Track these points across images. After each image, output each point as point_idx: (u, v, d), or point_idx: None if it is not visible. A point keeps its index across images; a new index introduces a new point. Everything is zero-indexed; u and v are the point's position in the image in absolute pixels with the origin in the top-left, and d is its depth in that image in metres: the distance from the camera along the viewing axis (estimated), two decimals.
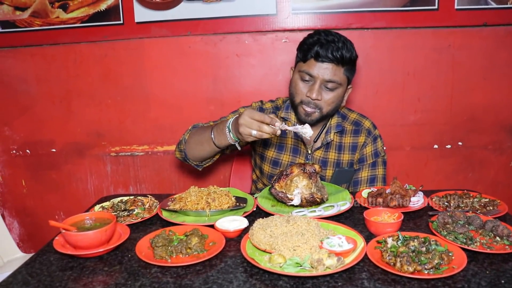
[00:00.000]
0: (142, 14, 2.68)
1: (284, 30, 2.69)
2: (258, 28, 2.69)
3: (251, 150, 2.33)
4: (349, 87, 2.06)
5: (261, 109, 2.18)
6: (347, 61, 1.92)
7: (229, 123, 1.76)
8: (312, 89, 1.93)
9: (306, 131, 1.68)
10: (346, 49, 1.90)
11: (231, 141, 1.79)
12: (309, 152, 2.13)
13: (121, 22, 2.70)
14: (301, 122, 2.03)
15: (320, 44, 1.90)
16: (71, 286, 1.23)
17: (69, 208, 3.03)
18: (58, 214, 3.07)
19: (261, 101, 2.22)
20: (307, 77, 1.95)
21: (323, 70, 1.91)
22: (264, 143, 2.16)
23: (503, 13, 2.61)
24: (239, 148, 1.89)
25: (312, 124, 2.04)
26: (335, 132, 2.12)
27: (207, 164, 2.10)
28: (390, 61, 2.74)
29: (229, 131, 1.76)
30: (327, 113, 2.01)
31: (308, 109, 1.97)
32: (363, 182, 2.12)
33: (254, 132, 1.63)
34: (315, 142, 2.15)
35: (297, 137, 2.12)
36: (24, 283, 1.25)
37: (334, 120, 2.14)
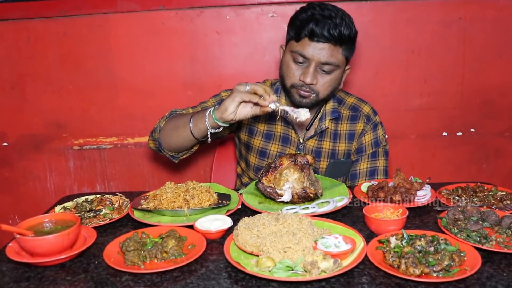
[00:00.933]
0: None
1: (271, 3, 2.69)
2: (241, 1, 2.68)
3: (235, 139, 2.34)
4: (347, 67, 2.06)
5: None
6: (346, 39, 1.90)
7: (214, 108, 1.80)
8: (306, 72, 1.93)
9: (304, 113, 1.71)
10: (345, 26, 1.88)
11: (208, 126, 1.80)
12: (301, 141, 2.13)
13: None
14: (296, 106, 2.02)
15: (315, 20, 1.87)
16: None
17: (25, 211, 3.01)
18: (12, 218, 3.05)
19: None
20: (300, 59, 1.94)
21: (319, 51, 1.89)
22: (250, 130, 2.16)
23: None
24: (209, 139, 1.87)
25: (309, 108, 2.04)
26: (330, 119, 2.13)
27: (184, 156, 2.10)
28: (392, 38, 2.75)
29: (212, 112, 1.79)
30: (324, 97, 2.01)
31: (302, 92, 1.97)
32: (362, 175, 2.14)
33: (247, 88, 1.70)
34: (307, 130, 2.15)
35: (288, 124, 2.12)
36: None
37: (329, 105, 2.15)
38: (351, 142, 2.15)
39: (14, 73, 2.82)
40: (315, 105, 2.05)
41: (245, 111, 1.77)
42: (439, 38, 2.74)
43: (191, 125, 1.86)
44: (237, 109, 1.75)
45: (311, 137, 2.14)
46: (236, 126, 2.22)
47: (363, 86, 2.79)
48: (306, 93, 1.97)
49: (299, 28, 1.92)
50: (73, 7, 2.69)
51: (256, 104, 1.73)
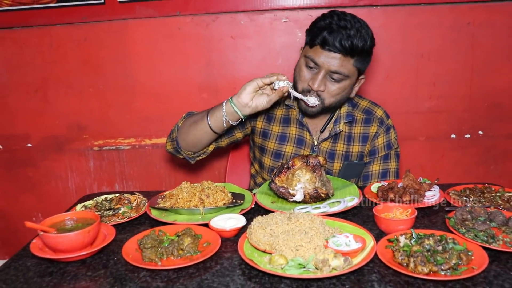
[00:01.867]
0: None
1: (284, 9, 2.70)
2: (255, 6, 2.69)
3: (249, 142, 2.34)
4: (360, 77, 2.04)
5: None
6: (358, 51, 1.87)
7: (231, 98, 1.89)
8: (315, 78, 1.92)
9: (313, 101, 1.85)
10: (359, 38, 1.84)
11: (224, 112, 1.88)
12: (315, 143, 2.13)
13: (102, 1, 2.69)
14: (302, 112, 2.05)
15: (330, 29, 1.85)
16: None
17: (47, 209, 3.04)
18: (36, 216, 3.08)
19: None
20: (312, 64, 1.93)
21: (330, 59, 1.88)
22: (264, 133, 2.17)
23: None
24: (224, 124, 1.93)
25: (314, 116, 2.05)
26: (345, 122, 2.12)
27: (200, 157, 2.12)
28: (402, 42, 2.74)
29: (230, 98, 1.88)
30: (330, 105, 1.99)
31: (309, 102, 1.96)
32: (374, 176, 2.13)
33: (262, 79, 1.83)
34: (321, 132, 2.14)
35: (302, 126, 2.12)
36: None
37: (344, 109, 2.14)
38: (365, 144, 2.14)
39: (38, 77, 2.86)
40: (322, 113, 2.04)
41: (262, 99, 1.85)
42: (448, 42, 2.73)
43: (208, 116, 1.92)
44: (254, 95, 1.84)
45: (325, 139, 2.13)
46: (251, 130, 2.22)
47: (374, 89, 2.78)
48: (312, 102, 1.95)
49: (314, 35, 1.91)
50: (93, 14, 2.72)
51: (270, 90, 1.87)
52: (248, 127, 2.21)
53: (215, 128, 1.93)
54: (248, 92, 1.82)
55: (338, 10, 1.94)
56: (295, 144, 2.14)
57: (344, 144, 2.14)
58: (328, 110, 2.04)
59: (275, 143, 2.16)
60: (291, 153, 2.14)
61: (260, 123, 2.19)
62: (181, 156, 2.12)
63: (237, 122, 1.92)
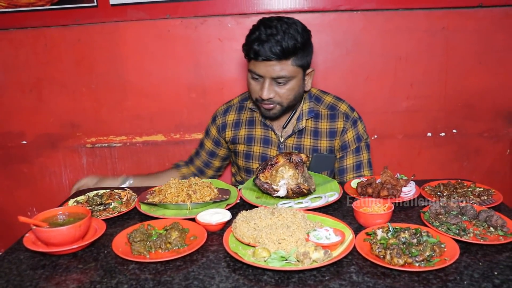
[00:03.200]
0: None
1: (269, 12, 2.68)
2: (242, 10, 2.68)
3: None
4: (308, 71, 2.02)
5: (224, 112, 2.27)
6: (291, 52, 1.85)
7: None
8: (263, 88, 1.92)
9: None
10: (288, 39, 1.82)
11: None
12: (281, 140, 2.13)
13: (95, 4, 2.66)
14: (265, 117, 2.08)
15: (258, 41, 1.84)
16: (42, 285, 1.23)
17: (41, 204, 3.01)
18: (30, 211, 3.05)
19: (226, 104, 2.30)
20: (256, 76, 1.93)
21: (268, 68, 1.87)
22: (233, 139, 2.20)
23: None
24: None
25: (277, 117, 2.06)
26: (307, 118, 2.12)
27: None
28: (381, 45, 2.75)
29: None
30: (289, 104, 2.00)
31: (265, 106, 1.97)
32: (349, 169, 2.14)
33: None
34: (284, 128, 2.14)
35: (267, 126, 2.13)
36: None
37: (306, 105, 2.13)
38: (333, 139, 2.13)
39: (32, 76, 2.82)
40: (284, 112, 2.05)
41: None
42: (424, 46, 2.74)
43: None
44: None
45: (289, 136, 2.13)
46: (223, 140, 2.28)
47: (354, 89, 2.78)
48: (268, 105, 1.97)
49: (247, 50, 1.90)
50: (86, 16, 2.69)
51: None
52: (222, 142, 2.28)
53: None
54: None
55: (265, 17, 1.94)
56: (262, 144, 2.15)
57: (310, 139, 2.13)
58: (288, 109, 2.04)
59: (244, 145, 2.18)
60: (259, 153, 2.15)
61: (228, 133, 2.22)
62: None
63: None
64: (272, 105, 1.96)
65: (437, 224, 1.46)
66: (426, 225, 1.46)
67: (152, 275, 1.25)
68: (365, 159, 2.16)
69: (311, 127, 2.13)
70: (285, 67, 1.88)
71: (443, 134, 2.90)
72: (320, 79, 2.70)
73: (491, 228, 1.43)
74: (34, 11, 2.69)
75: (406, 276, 1.20)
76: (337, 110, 2.15)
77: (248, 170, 2.19)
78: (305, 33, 1.91)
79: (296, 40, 1.84)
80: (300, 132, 2.13)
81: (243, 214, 1.47)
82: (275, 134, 2.14)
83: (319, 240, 1.31)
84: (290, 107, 2.04)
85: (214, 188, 1.77)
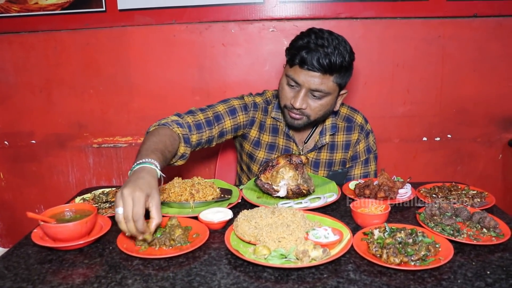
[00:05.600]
0: (125, 1, 2.65)
1: (272, 19, 2.69)
2: (245, 17, 2.68)
3: (235, 144, 2.27)
4: (342, 92, 1.92)
5: (255, 105, 2.08)
6: (337, 68, 1.76)
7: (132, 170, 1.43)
8: (297, 97, 1.82)
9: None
10: (337, 55, 1.74)
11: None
12: (301, 153, 2.07)
13: (104, 9, 2.67)
14: (289, 125, 1.98)
15: (307, 49, 1.75)
16: (49, 279, 1.22)
17: (49, 201, 3.00)
18: (39, 208, 3.04)
19: (251, 94, 2.12)
20: (292, 83, 1.83)
21: (309, 78, 1.77)
22: (256, 142, 2.09)
23: (494, 4, 2.63)
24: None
25: (300, 129, 1.99)
26: (330, 134, 2.05)
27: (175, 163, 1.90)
28: (379, 52, 2.75)
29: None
30: (315, 119, 1.91)
31: (293, 114, 1.88)
32: (355, 179, 2.08)
33: (119, 211, 1.27)
34: (305, 143, 2.07)
35: (289, 138, 2.05)
36: (0, 276, 1.24)
37: (329, 121, 2.06)
38: (347, 151, 2.09)
39: (42, 78, 2.83)
40: (308, 126, 1.97)
41: None
42: (420, 53, 2.74)
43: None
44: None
45: (311, 150, 2.06)
46: (240, 135, 2.12)
47: (353, 95, 2.78)
48: (296, 115, 1.88)
49: (292, 55, 1.80)
50: (95, 21, 2.70)
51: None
52: (240, 132, 2.09)
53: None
54: None
55: (316, 28, 1.84)
56: (283, 153, 2.08)
57: (327, 152, 2.08)
58: (313, 123, 1.96)
59: (264, 152, 2.08)
60: None
61: (254, 132, 2.08)
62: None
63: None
64: (299, 116, 1.87)
65: (432, 225, 1.45)
66: (421, 226, 1.46)
67: (155, 270, 1.24)
68: (372, 170, 2.14)
69: (329, 141, 2.06)
70: (326, 82, 1.79)
71: (438, 138, 2.89)
72: None
73: (484, 229, 1.43)
74: (45, 15, 2.70)
75: (402, 274, 1.20)
76: (353, 122, 2.10)
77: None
78: (352, 54, 1.84)
79: (344, 58, 1.76)
80: (320, 147, 2.06)
81: (244, 213, 1.46)
82: (297, 146, 2.07)
83: (318, 239, 1.31)
84: (315, 123, 1.97)
85: (216, 187, 1.77)
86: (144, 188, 1.28)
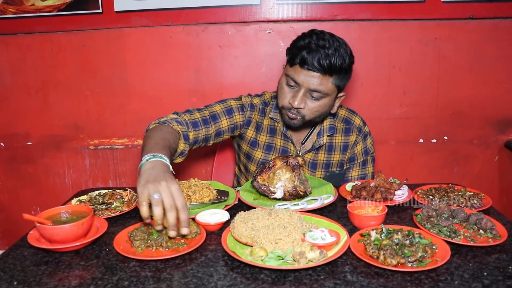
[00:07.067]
0: (122, 2, 2.65)
1: (268, 21, 2.69)
2: (242, 18, 2.68)
3: (234, 145, 2.27)
4: (340, 95, 1.94)
5: (252, 106, 2.09)
6: (337, 70, 1.78)
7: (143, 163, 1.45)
8: (296, 96, 1.83)
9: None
10: (337, 57, 1.76)
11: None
12: (299, 154, 2.08)
13: (100, 10, 2.67)
14: (286, 125, 1.99)
15: (308, 49, 1.76)
16: (45, 281, 1.22)
17: (45, 203, 3.00)
18: (35, 209, 3.04)
19: (250, 95, 2.13)
20: (292, 82, 1.84)
21: (309, 78, 1.78)
22: (253, 142, 2.10)
23: (490, 6, 2.65)
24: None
25: (297, 129, 2.00)
26: (328, 135, 2.06)
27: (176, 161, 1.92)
28: (375, 54, 2.76)
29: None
30: (310, 120, 1.92)
31: (290, 114, 1.89)
32: (353, 180, 2.09)
33: (156, 196, 1.28)
34: (302, 144, 2.08)
35: (287, 138, 2.06)
36: None
37: (326, 122, 2.07)
38: (345, 153, 2.10)
39: (39, 80, 2.82)
40: (303, 126, 1.97)
41: None
42: (417, 55, 2.75)
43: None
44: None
45: (308, 151, 2.07)
46: (238, 135, 2.13)
47: (349, 96, 2.78)
48: (293, 115, 1.89)
49: (293, 54, 1.82)
50: (91, 22, 2.69)
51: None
52: (237, 132, 2.10)
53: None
54: None
55: (317, 29, 1.86)
56: (280, 155, 2.08)
57: (325, 153, 2.09)
58: (309, 124, 1.97)
59: (262, 152, 2.09)
60: None
61: (250, 132, 2.09)
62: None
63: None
64: (296, 115, 1.88)
65: (429, 226, 1.45)
66: (418, 227, 1.45)
67: (152, 272, 1.24)
68: (370, 172, 2.14)
69: (327, 142, 2.07)
70: (325, 83, 1.80)
71: (434, 140, 2.90)
72: None
73: (481, 231, 1.43)
74: (42, 17, 2.70)
75: (399, 276, 1.20)
76: (351, 124, 2.11)
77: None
78: (352, 57, 1.86)
79: (344, 60, 1.78)
80: (317, 148, 2.07)
81: (241, 215, 1.46)
82: (294, 147, 2.07)
83: (314, 241, 1.31)
84: (310, 123, 1.98)
85: (213, 189, 1.76)
86: (175, 181, 1.35)
